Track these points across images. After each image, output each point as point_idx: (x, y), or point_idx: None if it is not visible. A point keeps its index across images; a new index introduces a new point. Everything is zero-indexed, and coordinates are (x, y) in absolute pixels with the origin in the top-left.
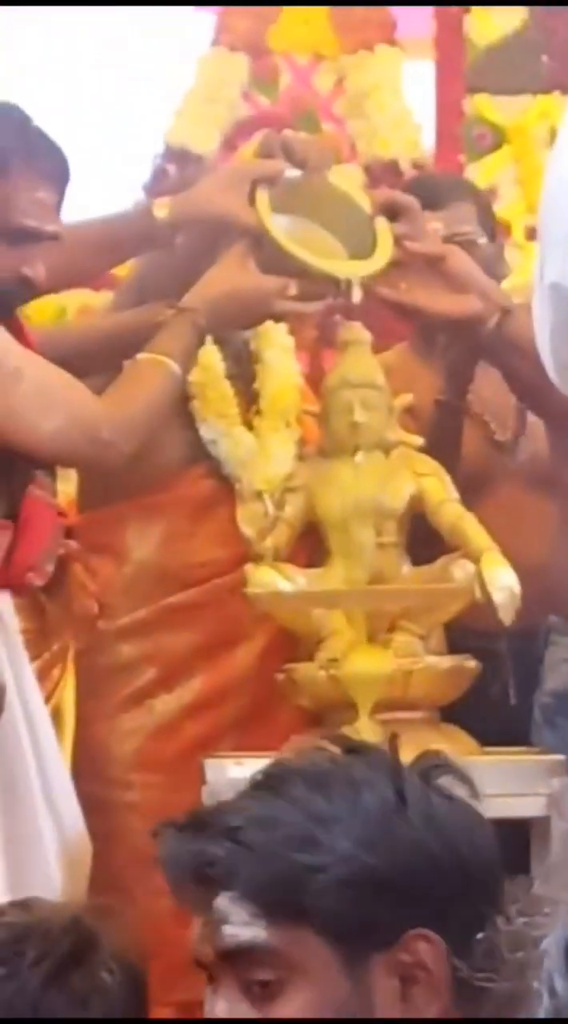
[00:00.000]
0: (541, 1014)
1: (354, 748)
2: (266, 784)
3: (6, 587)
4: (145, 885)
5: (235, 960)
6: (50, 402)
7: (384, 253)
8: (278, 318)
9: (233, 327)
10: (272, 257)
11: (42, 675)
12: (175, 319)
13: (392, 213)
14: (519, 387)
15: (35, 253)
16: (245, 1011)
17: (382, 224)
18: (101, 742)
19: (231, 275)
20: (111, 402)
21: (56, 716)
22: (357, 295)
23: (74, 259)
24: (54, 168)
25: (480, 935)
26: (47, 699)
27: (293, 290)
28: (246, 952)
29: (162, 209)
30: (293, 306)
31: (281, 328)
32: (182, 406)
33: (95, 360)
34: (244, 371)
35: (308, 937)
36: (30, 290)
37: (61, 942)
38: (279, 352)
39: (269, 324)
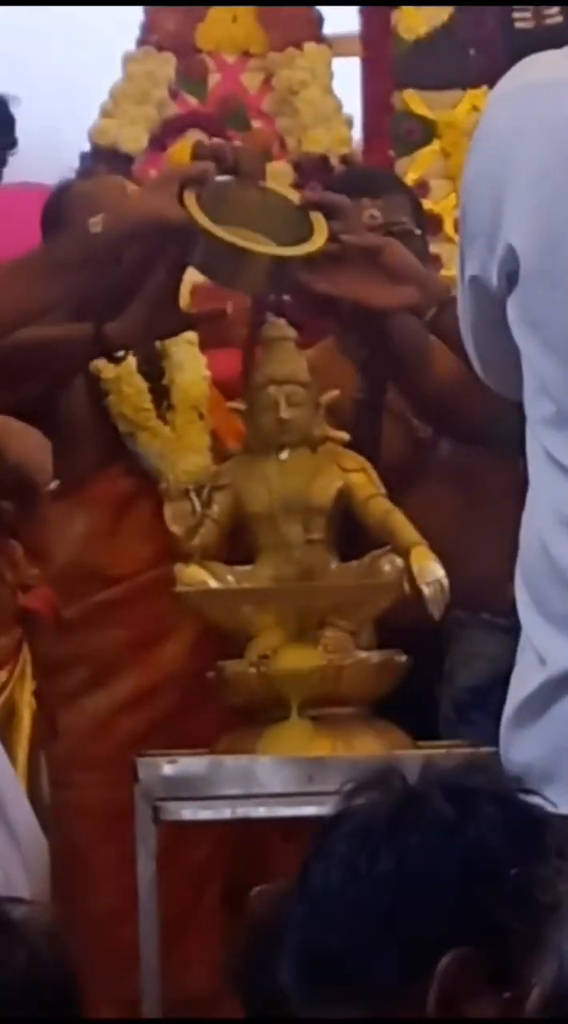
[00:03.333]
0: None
1: None
2: None
3: None
4: (84, 885)
5: None
6: None
7: (319, 239)
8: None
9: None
10: (206, 255)
11: None
12: None
13: (325, 213)
14: None
15: None
16: None
17: (318, 217)
18: (48, 745)
19: None
20: None
21: (9, 718)
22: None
23: (23, 295)
24: None
25: (514, 870)
26: None
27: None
28: None
29: (96, 225)
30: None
31: None
32: (97, 405)
33: (18, 373)
34: (152, 369)
35: None
36: None
37: None
38: (185, 347)
39: None
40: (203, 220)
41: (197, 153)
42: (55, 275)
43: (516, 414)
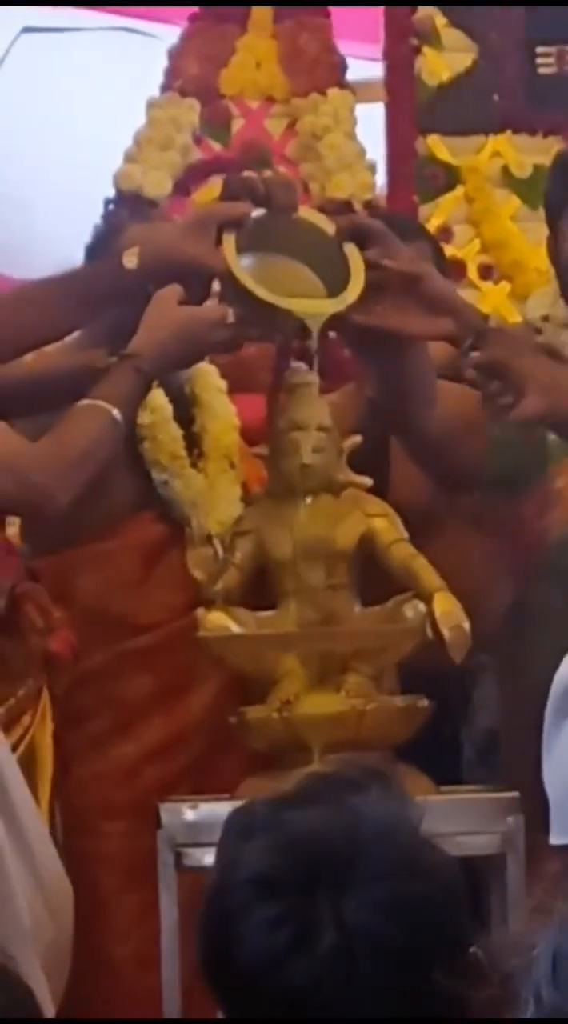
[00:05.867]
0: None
1: None
2: None
3: None
4: (107, 931)
5: None
6: None
7: (356, 287)
8: (222, 349)
9: (178, 366)
10: (241, 300)
11: (11, 721)
12: (118, 365)
13: (360, 239)
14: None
15: None
16: None
17: (353, 252)
18: (61, 790)
19: (168, 314)
20: (46, 448)
21: (31, 761)
22: (314, 345)
23: (46, 316)
24: None
25: (472, 948)
26: (17, 745)
27: (231, 318)
28: None
29: (131, 260)
30: (235, 334)
31: (214, 371)
32: (131, 450)
33: (27, 403)
34: (183, 415)
35: None
36: None
37: None
38: (215, 394)
39: (203, 367)
40: (240, 274)
41: (228, 187)
42: (81, 302)
43: (514, 457)
